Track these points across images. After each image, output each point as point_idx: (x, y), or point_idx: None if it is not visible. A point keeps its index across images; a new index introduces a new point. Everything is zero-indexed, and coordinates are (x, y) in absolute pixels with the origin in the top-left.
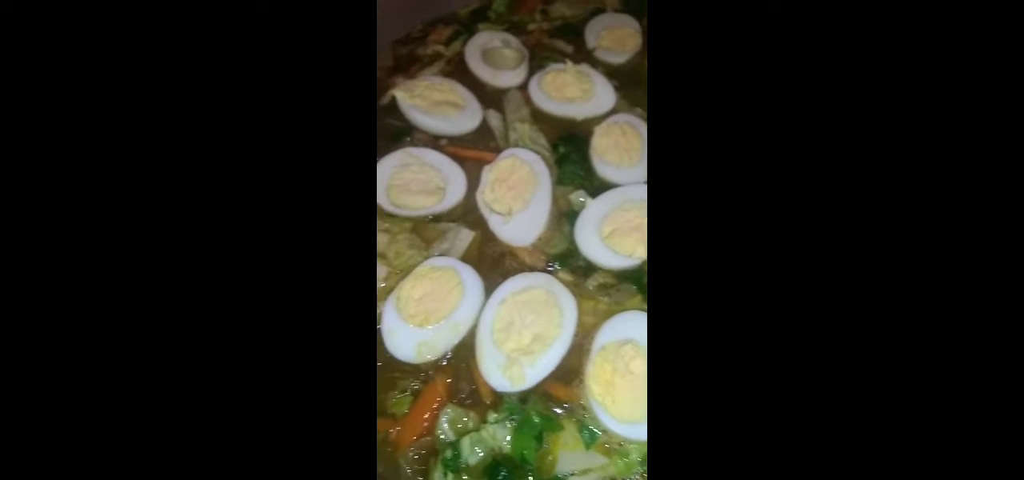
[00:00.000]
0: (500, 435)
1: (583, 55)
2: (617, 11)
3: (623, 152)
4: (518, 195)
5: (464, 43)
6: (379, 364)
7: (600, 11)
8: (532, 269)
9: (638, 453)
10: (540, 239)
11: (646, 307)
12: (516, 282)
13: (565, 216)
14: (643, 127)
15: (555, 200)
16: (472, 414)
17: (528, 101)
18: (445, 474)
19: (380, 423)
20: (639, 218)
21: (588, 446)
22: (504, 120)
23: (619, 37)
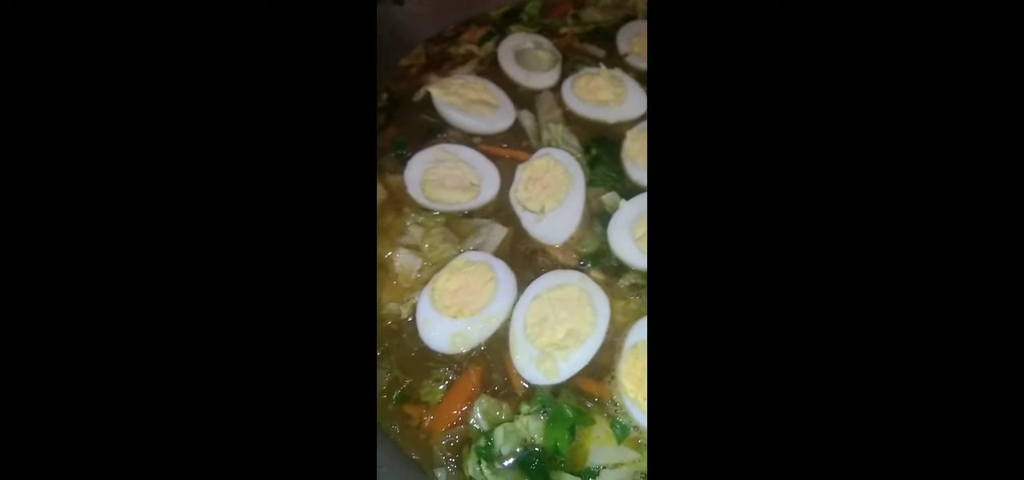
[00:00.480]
0: (533, 427)
1: (615, 60)
2: (647, 18)
3: None
4: (552, 194)
5: (496, 44)
6: (413, 354)
7: (631, 18)
8: (565, 267)
9: None
10: (572, 238)
11: None
12: (550, 279)
13: (597, 217)
14: None
15: (587, 201)
16: (505, 405)
17: (560, 103)
18: (478, 462)
19: (414, 410)
20: None
21: (620, 440)
22: (537, 121)
23: None
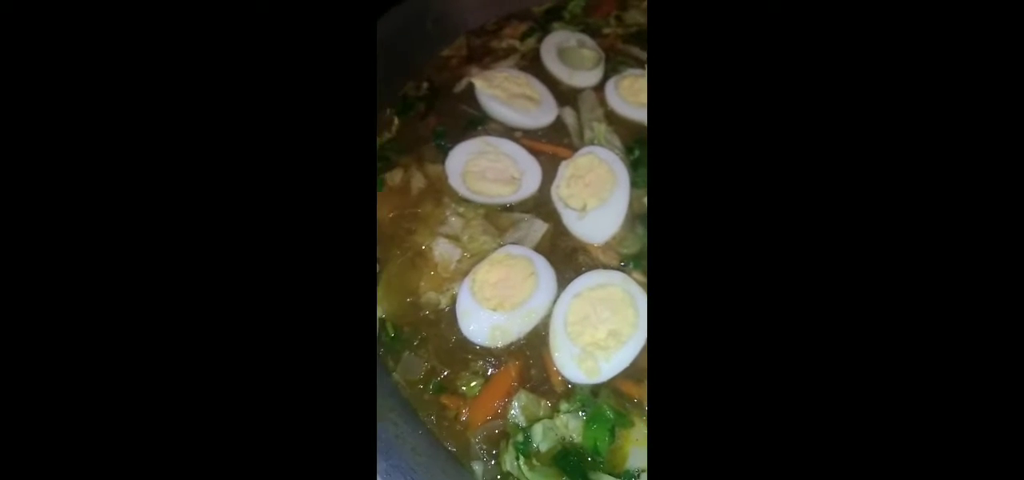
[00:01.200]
0: (572, 425)
1: None
2: None
3: None
4: (594, 193)
5: (539, 40)
6: (451, 344)
7: None
8: (606, 267)
9: None
10: (614, 238)
11: None
12: (591, 278)
13: (639, 218)
14: None
15: (630, 202)
16: (544, 402)
17: (603, 102)
18: (516, 457)
19: (451, 401)
20: None
21: None
22: (579, 119)
23: None
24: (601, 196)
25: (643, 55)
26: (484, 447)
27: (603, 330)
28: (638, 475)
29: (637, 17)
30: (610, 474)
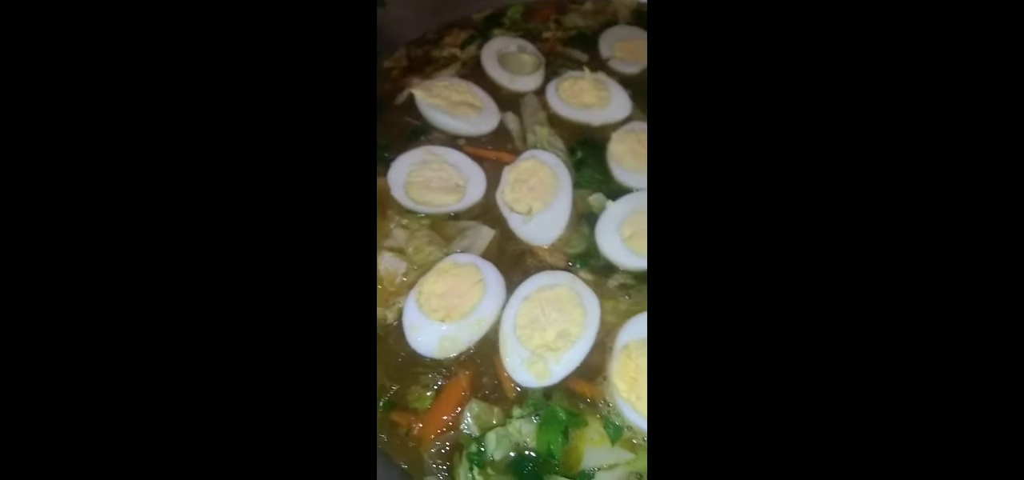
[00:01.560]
0: (526, 430)
1: (598, 64)
2: (629, 23)
3: (640, 158)
4: (539, 196)
5: (479, 47)
6: (400, 360)
7: (612, 23)
8: (553, 268)
9: None
10: (560, 239)
11: None
12: (539, 280)
13: (584, 218)
14: None
15: (574, 202)
16: (497, 409)
17: (545, 106)
18: (470, 469)
19: (402, 418)
20: None
21: (614, 441)
22: (522, 123)
23: (632, 49)
24: (545, 199)
25: (583, 57)
26: (437, 462)
27: (552, 331)
28: (593, 475)
29: (576, 20)
30: (565, 476)
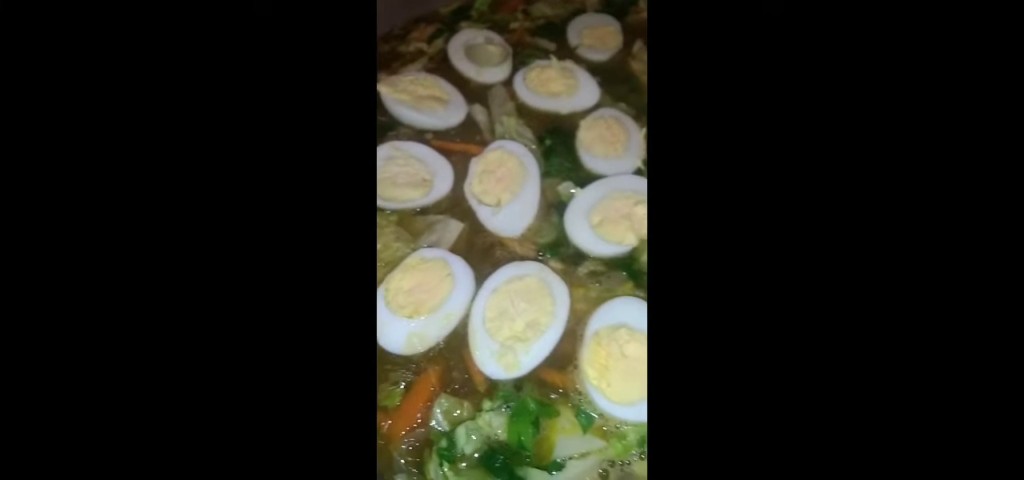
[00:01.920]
0: (496, 423)
1: (566, 52)
2: (597, 11)
3: (609, 144)
4: (507, 187)
5: (446, 41)
6: None
7: (581, 11)
8: (523, 258)
9: (635, 434)
10: (530, 229)
11: (638, 293)
12: (508, 271)
13: (553, 207)
14: (628, 121)
15: (543, 191)
16: (466, 403)
17: (513, 96)
18: (441, 465)
19: None
20: (628, 207)
21: (585, 429)
22: (490, 114)
23: (601, 36)
24: (514, 189)
25: (551, 46)
26: (407, 459)
27: (521, 322)
28: (564, 464)
29: (544, 9)
30: (537, 467)
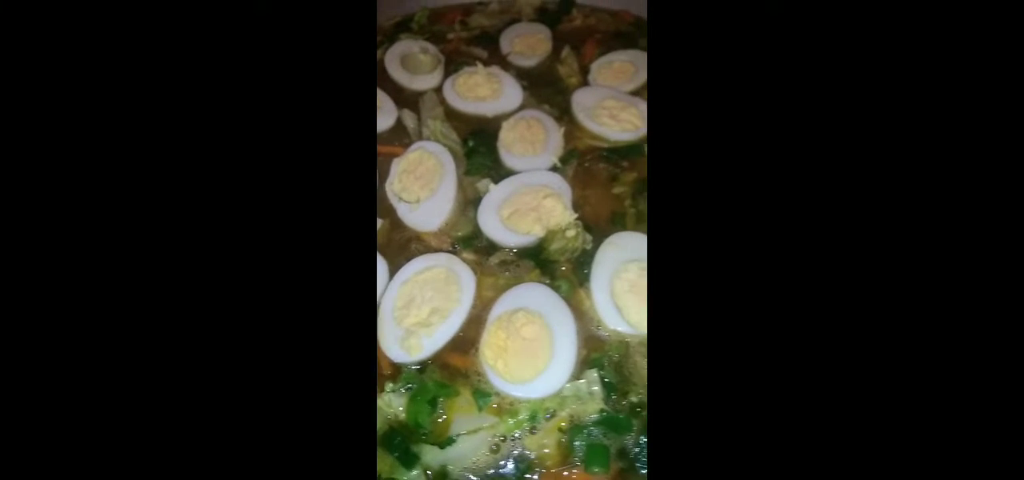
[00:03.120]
0: (396, 403)
1: (496, 59)
2: (531, 20)
3: (528, 144)
4: (425, 184)
5: (384, 51)
6: None
7: (516, 21)
8: (438, 251)
9: (526, 411)
10: (446, 224)
11: (544, 280)
12: (418, 263)
13: (471, 203)
14: (549, 121)
15: (463, 188)
16: None
17: (442, 101)
18: None
19: None
20: (537, 200)
21: (481, 408)
22: (419, 119)
23: (531, 43)
24: (431, 186)
25: (483, 54)
26: None
27: (426, 309)
28: (455, 440)
29: (481, 20)
30: (433, 443)
